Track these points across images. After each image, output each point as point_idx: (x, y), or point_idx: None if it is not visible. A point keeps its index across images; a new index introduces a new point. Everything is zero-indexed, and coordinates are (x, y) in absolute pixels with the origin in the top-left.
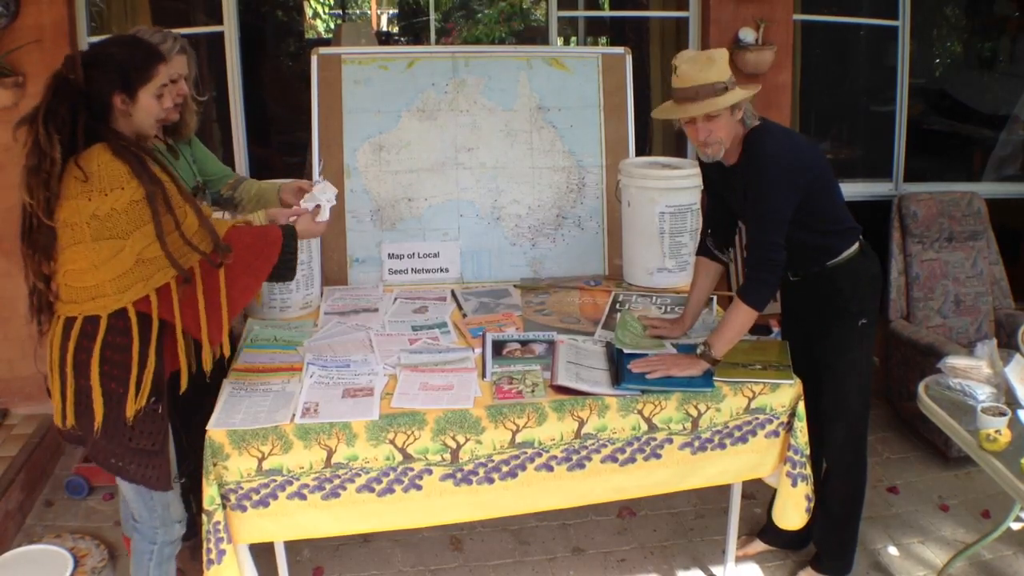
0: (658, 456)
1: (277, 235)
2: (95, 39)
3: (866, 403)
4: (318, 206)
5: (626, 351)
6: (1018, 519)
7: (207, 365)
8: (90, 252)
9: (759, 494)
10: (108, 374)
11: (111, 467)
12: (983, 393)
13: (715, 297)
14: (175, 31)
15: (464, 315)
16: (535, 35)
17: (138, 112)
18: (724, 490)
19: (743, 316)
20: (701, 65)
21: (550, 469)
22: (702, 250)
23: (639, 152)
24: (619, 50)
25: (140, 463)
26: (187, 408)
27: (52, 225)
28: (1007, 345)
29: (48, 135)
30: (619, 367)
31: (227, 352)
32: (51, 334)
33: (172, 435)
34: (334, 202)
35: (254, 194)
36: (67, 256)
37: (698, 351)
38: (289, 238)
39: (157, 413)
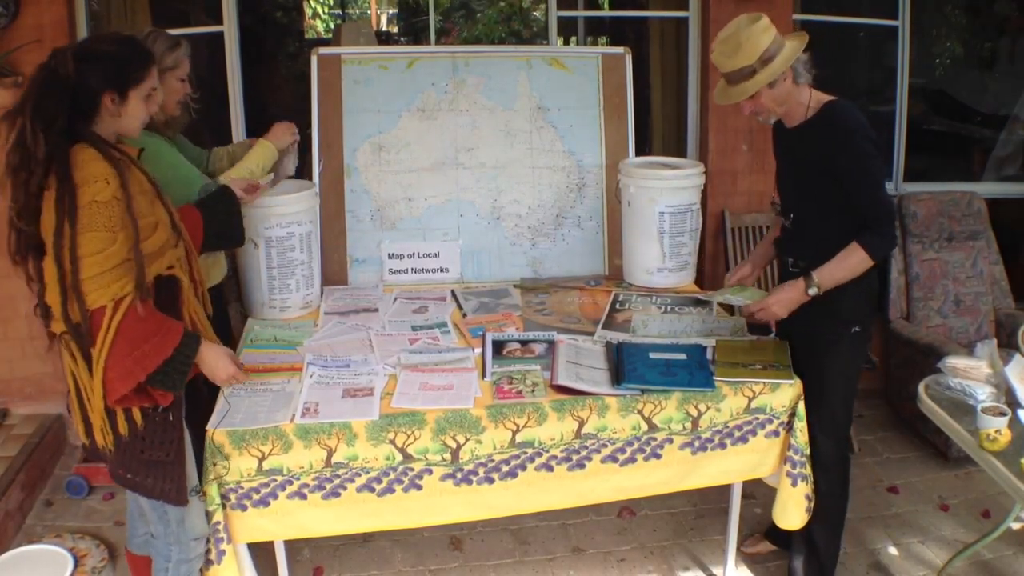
0: (658, 456)
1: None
2: None
3: (848, 412)
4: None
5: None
6: (1018, 519)
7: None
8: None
9: (759, 494)
10: None
11: (127, 482)
12: (983, 393)
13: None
14: (175, 31)
15: (464, 315)
16: (534, 35)
17: (126, 114)
18: (724, 490)
19: (855, 258)
20: (728, 51)
21: (550, 469)
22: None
23: (639, 152)
24: (619, 50)
25: (156, 476)
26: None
27: (31, 231)
28: (1007, 345)
29: (34, 131)
30: (619, 367)
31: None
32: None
33: (191, 444)
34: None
35: (226, 161)
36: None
37: (807, 285)
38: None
39: (168, 421)
